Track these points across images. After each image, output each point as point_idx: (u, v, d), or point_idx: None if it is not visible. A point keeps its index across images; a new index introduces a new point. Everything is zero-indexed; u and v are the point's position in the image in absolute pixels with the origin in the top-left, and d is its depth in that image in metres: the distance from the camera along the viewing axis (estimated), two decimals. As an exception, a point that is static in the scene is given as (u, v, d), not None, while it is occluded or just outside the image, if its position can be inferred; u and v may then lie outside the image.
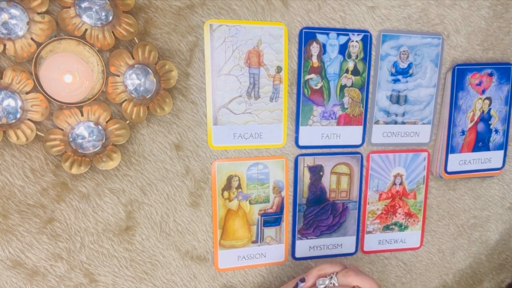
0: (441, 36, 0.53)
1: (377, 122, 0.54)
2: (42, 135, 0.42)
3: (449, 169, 0.56)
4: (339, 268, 0.43)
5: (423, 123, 0.55)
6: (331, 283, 0.42)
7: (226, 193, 0.50)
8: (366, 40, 0.51)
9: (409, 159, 0.56)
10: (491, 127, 0.57)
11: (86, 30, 0.41)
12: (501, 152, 0.58)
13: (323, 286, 0.42)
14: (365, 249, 0.57)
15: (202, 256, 0.51)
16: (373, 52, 0.52)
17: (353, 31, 0.50)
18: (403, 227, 0.58)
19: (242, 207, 0.51)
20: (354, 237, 0.56)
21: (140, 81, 0.43)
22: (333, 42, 0.50)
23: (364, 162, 0.54)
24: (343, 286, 0.41)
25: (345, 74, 0.51)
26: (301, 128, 0.51)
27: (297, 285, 0.44)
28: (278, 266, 0.54)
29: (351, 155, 0.54)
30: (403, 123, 0.54)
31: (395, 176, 0.56)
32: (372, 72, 0.52)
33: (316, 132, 0.52)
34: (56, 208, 0.45)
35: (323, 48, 0.50)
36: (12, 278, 0.45)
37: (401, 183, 0.56)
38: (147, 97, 0.43)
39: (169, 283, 0.50)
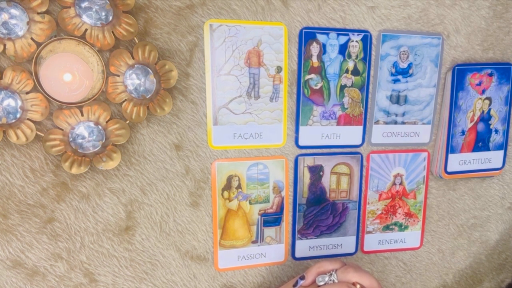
0: (441, 36, 0.53)
1: (377, 122, 0.54)
2: (42, 135, 0.42)
3: (449, 169, 0.56)
4: (339, 265, 0.43)
5: (423, 123, 0.55)
6: (330, 280, 0.42)
7: (226, 193, 0.50)
8: (366, 40, 0.51)
9: (409, 159, 0.56)
10: (491, 127, 0.57)
11: (86, 30, 0.41)
12: (501, 152, 0.58)
13: (322, 283, 0.42)
14: (365, 249, 0.57)
15: (202, 256, 0.51)
16: (373, 52, 0.52)
17: (353, 31, 0.50)
18: (403, 227, 0.58)
19: (242, 207, 0.51)
20: (354, 237, 0.56)
21: (140, 81, 0.43)
22: (333, 42, 0.50)
23: (364, 162, 0.54)
24: (343, 282, 0.41)
25: (345, 74, 0.51)
26: (301, 128, 0.51)
27: (297, 282, 0.44)
28: (278, 266, 0.54)
29: (351, 155, 0.54)
30: (403, 123, 0.54)
31: (395, 176, 0.56)
32: (372, 72, 0.52)
33: (316, 132, 0.52)
34: (56, 208, 0.45)
35: (323, 48, 0.50)
36: (12, 278, 0.45)
37: (401, 183, 0.56)
38: (147, 97, 0.43)
39: (169, 283, 0.50)
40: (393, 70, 0.53)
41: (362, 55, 0.51)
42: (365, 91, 0.52)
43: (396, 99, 0.53)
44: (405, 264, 0.60)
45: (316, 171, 0.53)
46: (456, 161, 0.56)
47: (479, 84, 0.55)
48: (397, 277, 0.60)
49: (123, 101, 0.43)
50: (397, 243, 0.58)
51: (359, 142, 0.54)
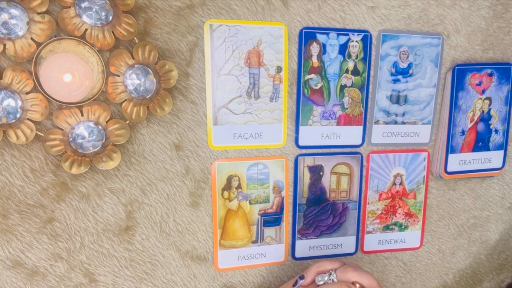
0: (441, 36, 0.53)
1: (377, 122, 0.54)
2: (42, 135, 0.42)
3: (449, 169, 0.56)
4: (338, 265, 0.43)
5: (423, 123, 0.55)
6: (330, 279, 0.42)
7: (226, 193, 0.50)
8: (366, 40, 0.51)
9: (409, 159, 0.56)
10: (491, 127, 0.57)
11: (86, 30, 0.41)
12: (501, 152, 0.58)
13: (322, 282, 0.42)
14: (365, 249, 0.57)
15: (202, 256, 0.51)
16: (373, 52, 0.52)
17: (353, 31, 0.50)
18: (403, 227, 0.58)
19: (242, 207, 0.51)
20: (354, 237, 0.56)
21: (140, 81, 0.43)
22: (333, 42, 0.50)
23: (364, 162, 0.54)
24: (342, 282, 0.41)
25: (345, 74, 0.51)
26: (301, 128, 0.51)
27: (296, 282, 0.44)
28: (278, 266, 0.54)
29: (351, 155, 0.54)
30: (403, 123, 0.54)
31: (395, 176, 0.56)
32: (372, 72, 0.52)
33: (316, 132, 0.52)
34: (56, 208, 0.45)
35: (323, 48, 0.50)
36: (12, 278, 0.45)
37: (401, 183, 0.56)
38: (147, 97, 0.43)
39: (169, 283, 0.50)
40: (393, 70, 0.53)
41: (362, 55, 0.51)
42: (365, 91, 0.52)
43: (396, 99, 0.53)
44: (405, 264, 0.60)
45: (316, 171, 0.53)
46: (456, 161, 0.56)
47: (479, 84, 0.55)
48: (397, 277, 0.60)
49: (123, 101, 0.43)
50: (397, 243, 0.58)
51: (359, 142, 0.54)
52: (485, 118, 0.56)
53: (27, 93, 0.40)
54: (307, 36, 0.49)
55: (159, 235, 0.49)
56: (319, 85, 0.51)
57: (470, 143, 0.57)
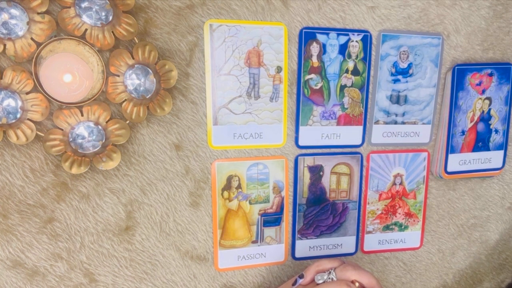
0: (441, 36, 0.53)
1: (377, 122, 0.54)
2: (42, 135, 0.42)
3: (449, 169, 0.56)
4: (337, 264, 0.43)
5: (423, 123, 0.55)
6: (329, 278, 0.42)
7: (226, 193, 0.50)
8: (366, 40, 0.51)
9: (409, 159, 0.56)
10: (491, 127, 0.57)
11: (86, 30, 0.41)
12: (501, 152, 0.58)
13: (321, 281, 0.42)
14: (365, 249, 0.57)
15: (202, 256, 0.51)
16: (373, 52, 0.52)
17: (353, 31, 0.50)
18: (403, 227, 0.58)
19: (242, 207, 0.51)
20: (354, 237, 0.56)
21: (140, 81, 0.43)
22: (333, 42, 0.50)
23: (364, 162, 0.54)
24: (341, 280, 0.41)
25: (345, 74, 0.51)
26: (301, 128, 0.51)
27: (296, 281, 0.44)
28: (278, 266, 0.54)
29: (351, 155, 0.54)
30: (403, 123, 0.54)
31: (395, 176, 0.56)
32: (372, 72, 0.52)
33: (316, 132, 0.52)
34: (56, 208, 0.45)
35: (323, 48, 0.50)
36: (12, 278, 0.45)
37: (401, 183, 0.56)
38: (147, 97, 0.43)
39: (169, 283, 0.50)
40: (393, 70, 0.53)
41: (362, 55, 0.51)
42: (365, 91, 0.52)
43: (396, 99, 0.53)
44: (405, 264, 0.60)
45: (316, 171, 0.53)
46: (456, 161, 0.56)
47: (479, 84, 0.55)
48: (397, 277, 0.60)
49: (123, 101, 0.43)
50: (397, 243, 0.58)
51: (359, 142, 0.54)
52: (485, 118, 0.56)
53: (27, 93, 0.40)
54: (307, 36, 0.49)
55: (159, 235, 0.49)
56: (319, 85, 0.51)
57: (470, 143, 0.57)
